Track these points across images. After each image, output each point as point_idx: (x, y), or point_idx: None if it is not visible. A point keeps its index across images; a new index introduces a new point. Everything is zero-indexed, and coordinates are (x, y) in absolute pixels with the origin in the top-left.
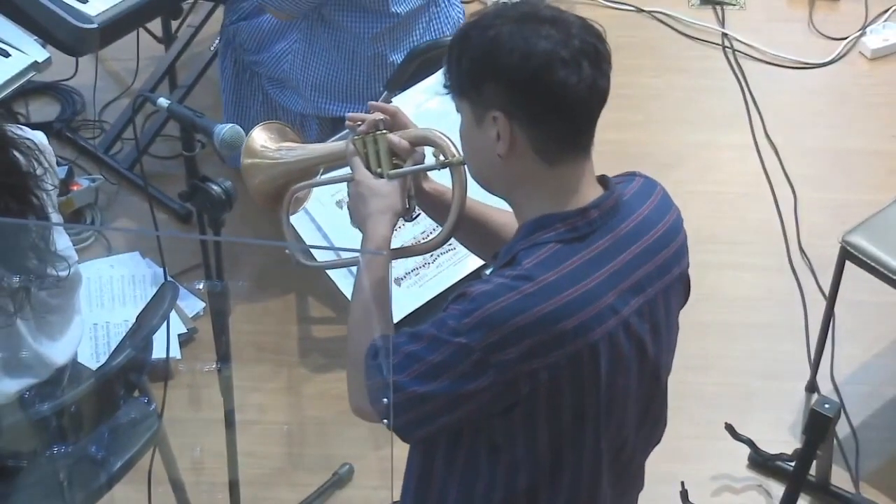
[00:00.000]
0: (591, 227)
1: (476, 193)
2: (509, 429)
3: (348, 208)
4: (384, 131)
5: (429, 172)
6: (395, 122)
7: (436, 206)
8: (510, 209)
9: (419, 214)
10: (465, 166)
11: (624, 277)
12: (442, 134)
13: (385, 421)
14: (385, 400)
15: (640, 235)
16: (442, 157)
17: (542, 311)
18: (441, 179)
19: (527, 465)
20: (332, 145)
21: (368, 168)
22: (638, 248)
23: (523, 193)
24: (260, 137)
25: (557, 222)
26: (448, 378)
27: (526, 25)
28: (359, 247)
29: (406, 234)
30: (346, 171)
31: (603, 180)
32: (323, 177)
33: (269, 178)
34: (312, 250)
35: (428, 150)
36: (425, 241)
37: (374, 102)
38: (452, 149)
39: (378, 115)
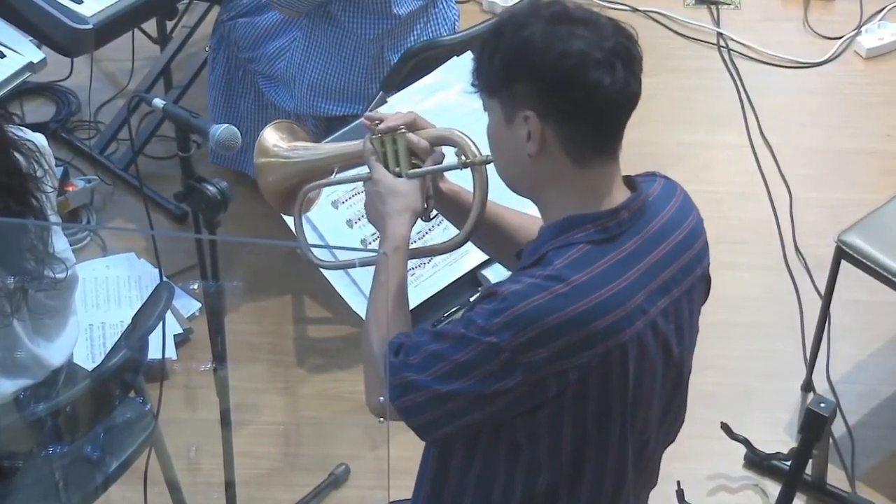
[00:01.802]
0: (620, 227)
1: (493, 195)
2: (533, 429)
3: (365, 207)
4: (403, 130)
5: (445, 172)
6: (413, 125)
7: (452, 206)
8: (526, 211)
9: (436, 215)
10: (486, 166)
11: (652, 278)
12: (462, 133)
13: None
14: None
15: (666, 236)
16: (463, 157)
17: (574, 311)
18: (456, 179)
19: (548, 465)
20: (348, 144)
21: (387, 167)
22: (664, 249)
23: (551, 194)
24: (272, 137)
25: (587, 223)
26: (474, 377)
27: (559, 26)
28: (354, 248)
29: None
30: (361, 169)
31: (628, 181)
32: (339, 175)
33: (282, 177)
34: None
35: (448, 150)
36: (445, 240)
37: (391, 114)
38: (473, 148)
39: (399, 121)
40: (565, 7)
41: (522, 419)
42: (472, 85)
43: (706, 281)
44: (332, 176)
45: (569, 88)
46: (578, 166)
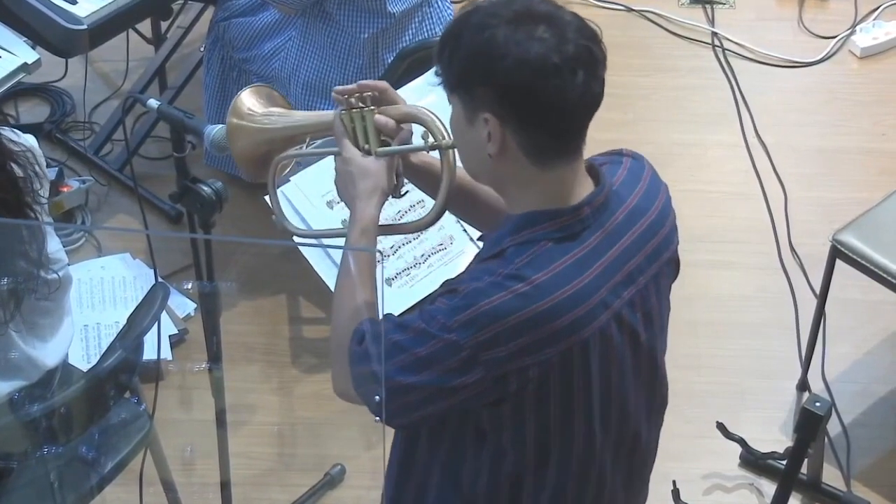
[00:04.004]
0: (582, 224)
1: None
2: (497, 419)
3: (335, 184)
4: (372, 108)
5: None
6: (384, 97)
7: (425, 178)
8: None
9: (407, 191)
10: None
11: (615, 271)
12: (431, 113)
13: (376, 412)
14: (373, 395)
15: (631, 226)
16: (431, 140)
17: (535, 310)
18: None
19: (513, 452)
20: (320, 114)
21: (356, 144)
22: (628, 239)
23: (514, 190)
24: (248, 100)
25: (548, 220)
26: (434, 372)
27: (520, 27)
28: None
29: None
30: (333, 140)
31: (592, 170)
32: (310, 148)
33: (253, 143)
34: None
35: (416, 128)
36: (415, 220)
37: (363, 81)
38: (442, 129)
39: (366, 92)
40: (527, 4)
41: (487, 409)
42: (436, 75)
43: (674, 262)
44: (304, 147)
45: (527, 96)
46: (539, 168)
